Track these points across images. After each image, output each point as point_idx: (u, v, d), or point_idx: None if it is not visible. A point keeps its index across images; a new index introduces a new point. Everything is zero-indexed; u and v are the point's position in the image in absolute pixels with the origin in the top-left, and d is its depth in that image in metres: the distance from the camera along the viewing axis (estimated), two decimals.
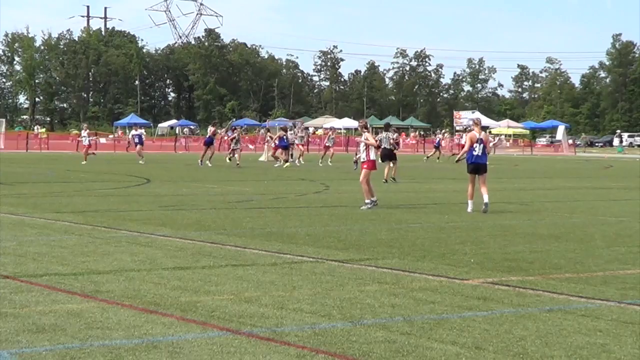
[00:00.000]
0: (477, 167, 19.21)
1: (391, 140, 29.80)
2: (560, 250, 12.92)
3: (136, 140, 46.99)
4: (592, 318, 8.11)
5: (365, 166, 19.74)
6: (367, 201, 19.44)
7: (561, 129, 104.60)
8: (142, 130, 51.73)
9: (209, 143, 40.86)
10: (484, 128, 27.75)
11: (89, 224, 15.18)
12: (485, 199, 18.75)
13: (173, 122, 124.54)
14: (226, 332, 7.27)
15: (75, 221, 15.66)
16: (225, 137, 48.37)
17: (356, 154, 25.24)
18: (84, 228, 14.63)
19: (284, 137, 41.47)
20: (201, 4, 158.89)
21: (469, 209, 18.89)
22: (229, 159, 42.74)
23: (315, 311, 8.18)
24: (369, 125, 22.50)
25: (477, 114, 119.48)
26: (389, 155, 29.25)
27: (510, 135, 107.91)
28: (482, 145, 19.21)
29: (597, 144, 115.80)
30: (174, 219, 16.57)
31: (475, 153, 19.19)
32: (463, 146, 25.23)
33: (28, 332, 7.12)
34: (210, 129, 42.50)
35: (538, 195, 25.60)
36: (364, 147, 20.05)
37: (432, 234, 14.88)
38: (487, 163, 19.50)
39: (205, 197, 21.50)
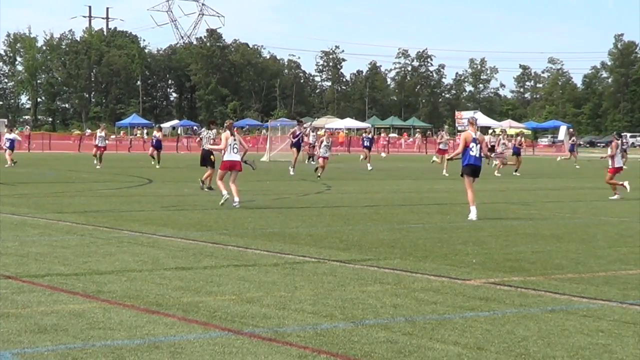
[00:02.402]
0: (474, 169, 17.77)
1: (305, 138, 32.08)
2: (562, 251, 12.93)
3: (7, 145, 41.11)
4: (594, 318, 8.12)
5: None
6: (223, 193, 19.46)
7: (563, 129, 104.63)
8: (15, 135, 44.80)
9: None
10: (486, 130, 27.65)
11: (91, 224, 15.20)
12: (474, 210, 17.53)
13: (175, 122, 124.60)
14: (228, 332, 7.28)
15: (77, 221, 15.67)
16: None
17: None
18: (86, 228, 14.65)
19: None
20: (203, 5, 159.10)
21: (474, 217, 17.41)
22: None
23: (317, 311, 8.18)
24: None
25: (478, 114, 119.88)
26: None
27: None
28: (478, 145, 17.75)
29: (599, 144, 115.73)
30: (175, 219, 16.58)
31: (472, 154, 17.61)
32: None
33: (30, 332, 7.13)
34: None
35: (540, 196, 25.59)
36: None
37: (433, 234, 14.87)
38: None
39: (207, 197, 21.51)
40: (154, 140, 42.51)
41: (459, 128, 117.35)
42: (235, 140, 20.05)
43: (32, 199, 20.68)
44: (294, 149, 37.03)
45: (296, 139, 37.21)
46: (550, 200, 23.76)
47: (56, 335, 7.05)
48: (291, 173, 33.55)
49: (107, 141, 42.92)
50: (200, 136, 28.29)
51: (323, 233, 14.67)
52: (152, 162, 40.20)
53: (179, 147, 72.62)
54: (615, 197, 23.89)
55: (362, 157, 46.11)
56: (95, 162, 39.20)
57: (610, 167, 24.63)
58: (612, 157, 24.60)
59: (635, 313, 8.43)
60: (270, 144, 57.30)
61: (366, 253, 12.25)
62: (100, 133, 40.83)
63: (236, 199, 19.21)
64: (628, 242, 14.18)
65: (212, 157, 24.34)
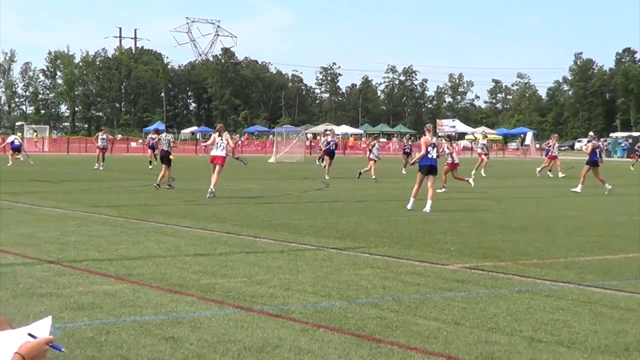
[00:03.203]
0: (430, 168, 18.21)
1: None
2: (528, 240, 12.95)
3: (13, 144, 40.56)
4: (555, 298, 8.14)
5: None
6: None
7: (529, 135, 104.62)
8: (17, 136, 45.45)
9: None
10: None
11: (122, 217, 15.22)
12: (430, 200, 17.69)
13: (194, 128, 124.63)
14: (240, 309, 7.30)
15: (110, 214, 15.69)
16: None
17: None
18: (118, 220, 14.67)
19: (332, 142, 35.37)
20: (218, 26, 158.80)
21: (410, 207, 17.80)
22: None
23: (317, 292, 8.21)
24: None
25: (456, 122, 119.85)
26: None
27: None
28: (435, 149, 18.36)
29: (561, 148, 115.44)
30: (195, 212, 16.60)
31: (430, 156, 18.19)
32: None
33: (70, 309, 7.16)
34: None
35: (509, 193, 25.61)
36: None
37: (417, 225, 14.89)
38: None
39: (221, 194, 21.52)
40: (151, 142, 38.99)
41: (440, 134, 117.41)
42: (221, 139, 21.41)
43: (71, 195, 20.70)
44: (327, 156, 34.34)
45: (328, 146, 34.92)
46: (517, 197, 23.78)
47: (92, 312, 7.08)
48: (326, 177, 31.26)
49: (107, 143, 40.60)
50: (159, 138, 26.92)
51: (322, 224, 14.70)
52: (150, 167, 36.40)
53: (197, 150, 72.59)
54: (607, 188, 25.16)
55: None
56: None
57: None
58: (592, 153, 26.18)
59: (591, 293, 8.46)
60: (276, 147, 57.31)
61: (359, 242, 12.28)
62: (102, 136, 38.65)
63: (211, 187, 20.39)
64: (585, 233, 14.20)
65: (170, 157, 24.20)
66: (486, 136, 45.93)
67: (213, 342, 6.12)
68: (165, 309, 7.26)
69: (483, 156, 37.53)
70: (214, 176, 20.80)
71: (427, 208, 17.52)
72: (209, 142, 22.71)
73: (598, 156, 26.17)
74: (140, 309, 7.25)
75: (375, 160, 30.94)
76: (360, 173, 31.19)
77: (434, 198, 18.05)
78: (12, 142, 41.85)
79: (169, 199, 19.91)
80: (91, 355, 5.68)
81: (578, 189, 25.21)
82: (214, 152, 21.53)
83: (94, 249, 10.92)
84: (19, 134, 63.49)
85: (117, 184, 26.26)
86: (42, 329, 3.44)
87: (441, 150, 22.61)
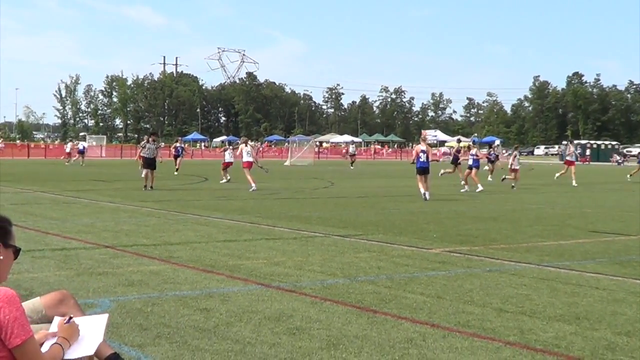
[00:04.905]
0: (423, 170, 19.54)
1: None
2: (496, 228, 12.90)
3: (80, 148, 44.85)
4: (519, 276, 8.10)
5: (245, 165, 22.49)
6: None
7: (497, 143, 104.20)
8: (85, 144, 51.29)
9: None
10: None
11: (165, 210, 15.22)
12: (427, 194, 19.15)
13: (224, 137, 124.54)
14: (261, 286, 7.28)
15: (155, 208, 15.70)
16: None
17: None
18: (161, 212, 14.67)
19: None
20: (244, 54, 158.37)
21: (427, 197, 19.08)
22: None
23: (324, 271, 8.18)
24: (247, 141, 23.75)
25: (438, 132, 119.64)
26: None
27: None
28: (425, 154, 19.68)
29: (522, 153, 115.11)
30: (224, 206, 16.60)
31: (421, 160, 19.65)
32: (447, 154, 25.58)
33: (122, 285, 7.15)
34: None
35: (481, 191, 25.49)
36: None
37: (406, 216, 14.86)
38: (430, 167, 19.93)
39: (245, 191, 21.53)
40: (175, 150, 36.30)
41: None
42: (248, 149, 22.94)
43: (123, 192, 20.71)
44: (453, 165, 30.83)
45: (454, 156, 29.55)
46: (488, 193, 23.68)
47: (140, 287, 7.07)
48: (463, 185, 24.58)
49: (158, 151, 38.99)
50: (141, 145, 24.31)
51: (328, 216, 14.67)
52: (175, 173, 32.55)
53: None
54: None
55: (483, 169, 32.36)
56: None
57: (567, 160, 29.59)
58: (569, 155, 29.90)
59: (548, 272, 8.41)
60: (291, 152, 57.46)
61: (358, 230, 12.25)
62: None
63: (253, 185, 21.65)
64: (543, 222, 14.14)
65: (158, 161, 22.59)
66: (460, 141, 45.28)
67: (239, 312, 6.09)
68: (200, 285, 7.24)
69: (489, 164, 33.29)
70: (248, 176, 22.08)
71: (427, 196, 19.06)
72: (237, 152, 23.62)
73: (574, 158, 29.88)
74: (179, 285, 7.23)
75: (517, 170, 26.79)
76: (504, 178, 28.06)
77: (430, 190, 19.55)
78: (82, 147, 46.29)
79: (202, 195, 19.91)
80: (139, 323, 5.66)
81: (574, 182, 28.26)
82: (246, 159, 22.69)
83: (142, 236, 10.92)
84: (86, 142, 64.71)
85: (160, 183, 26.28)
86: (99, 322, 3.43)
87: (440, 153, 23.77)
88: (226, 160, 26.77)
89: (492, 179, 31.23)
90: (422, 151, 19.73)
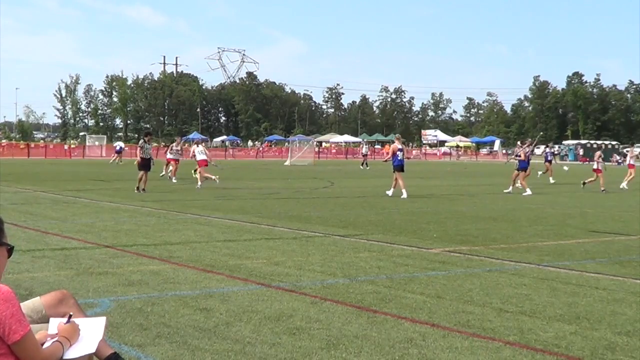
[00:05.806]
0: (401, 167, 20.48)
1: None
2: (496, 228, 12.90)
3: (117, 148, 48.10)
4: (519, 276, 8.09)
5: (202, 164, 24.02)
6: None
7: (497, 143, 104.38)
8: (121, 144, 53.33)
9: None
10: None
11: (165, 210, 15.22)
12: (404, 190, 19.92)
13: (224, 137, 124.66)
14: (261, 285, 7.28)
15: (155, 207, 15.70)
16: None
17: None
18: (161, 212, 14.67)
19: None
20: (244, 54, 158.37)
21: (390, 193, 20.22)
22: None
23: (324, 271, 8.18)
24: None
25: (438, 132, 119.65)
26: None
27: (460, 147, 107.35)
28: (401, 152, 20.60)
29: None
30: (224, 205, 16.59)
31: (399, 158, 20.48)
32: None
33: (122, 285, 7.15)
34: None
35: (481, 189, 25.52)
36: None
37: (406, 216, 14.85)
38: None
39: (245, 191, 21.52)
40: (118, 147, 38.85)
41: (424, 142, 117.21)
42: (200, 148, 24.84)
43: (123, 192, 20.71)
44: (545, 165, 31.01)
45: (526, 159, 25.36)
46: (488, 193, 23.69)
47: (140, 287, 7.07)
48: (510, 190, 23.54)
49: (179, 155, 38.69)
50: (140, 146, 23.44)
51: (328, 216, 14.66)
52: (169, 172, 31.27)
53: (226, 155, 72.77)
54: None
55: (542, 172, 33.28)
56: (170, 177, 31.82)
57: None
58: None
59: (548, 272, 8.41)
60: (291, 152, 57.38)
61: (358, 230, 12.25)
62: (176, 147, 32.77)
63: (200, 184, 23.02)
64: (543, 222, 14.14)
65: (151, 163, 22.19)
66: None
67: (239, 312, 6.09)
68: (200, 285, 7.24)
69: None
70: (204, 175, 23.91)
71: (404, 195, 19.56)
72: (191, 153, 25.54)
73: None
74: (179, 285, 7.23)
75: (602, 171, 26.07)
76: (584, 183, 26.99)
77: (407, 187, 20.31)
78: (118, 147, 49.66)
79: (202, 195, 19.91)
80: (139, 323, 5.66)
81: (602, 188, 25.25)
82: (199, 157, 24.53)
83: (142, 235, 10.92)
84: (122, 142, 63.77)
85: (160, 183, 26.28)
86: (97, 324, 3.44)
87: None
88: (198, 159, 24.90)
89: (553, 179, 30.71)
90: (400, 150, 20.58)
